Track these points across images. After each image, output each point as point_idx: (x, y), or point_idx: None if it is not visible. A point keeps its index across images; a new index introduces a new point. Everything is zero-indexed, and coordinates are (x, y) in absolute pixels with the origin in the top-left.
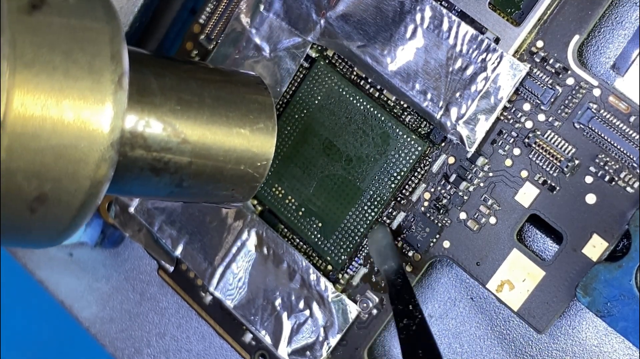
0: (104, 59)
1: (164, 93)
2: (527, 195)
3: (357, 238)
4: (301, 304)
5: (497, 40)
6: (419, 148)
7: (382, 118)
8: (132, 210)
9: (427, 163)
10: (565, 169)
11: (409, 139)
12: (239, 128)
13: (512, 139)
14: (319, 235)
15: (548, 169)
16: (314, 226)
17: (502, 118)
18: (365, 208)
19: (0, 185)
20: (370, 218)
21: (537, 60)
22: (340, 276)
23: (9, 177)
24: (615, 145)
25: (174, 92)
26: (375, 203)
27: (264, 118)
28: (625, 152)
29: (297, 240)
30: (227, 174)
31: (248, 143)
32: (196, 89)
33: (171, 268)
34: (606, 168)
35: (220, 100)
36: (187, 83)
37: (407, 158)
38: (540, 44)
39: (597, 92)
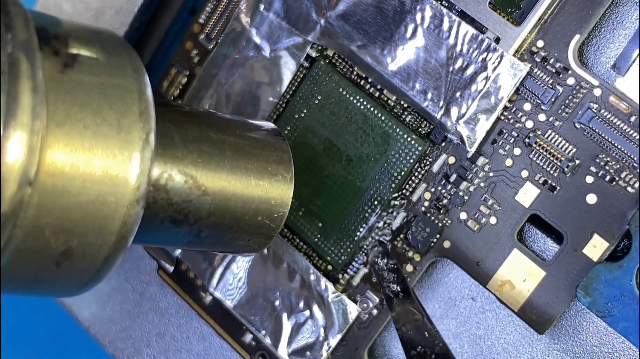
0: (133, 116)
1: (186, 145)
2: (527, 195)
3: (357, 238)
4: (301, 305)
5: (497, 40)
6: (419, 148)
7: (383, 118)
8: None
9: (428, 163)
10: (566, 169)
11: (409, 139)
12: (257, 180)
13: (513, 139)
14: (319, 235)
15: (548, 169)
16: (314, 226)
17: (502, 118)
18: (366, 208)
19: (28, 242)
20: (370, 218)
21: (538, 59)
22: (340, 276)
23: (38, 233)
24: (615, 145)
25: (195, 144)
26: (375, 203)
27: (282, 170)
28: (625, 151)
29: (297, 240)
30: (245, 225)
31: (266, 195)
32: (216, 141)
33: (171, 268)
34: (607, 168)
35: (240, 151)
36: (207, 135)
37: (408, 158)
38: (540, 43)
39: (597, 92)
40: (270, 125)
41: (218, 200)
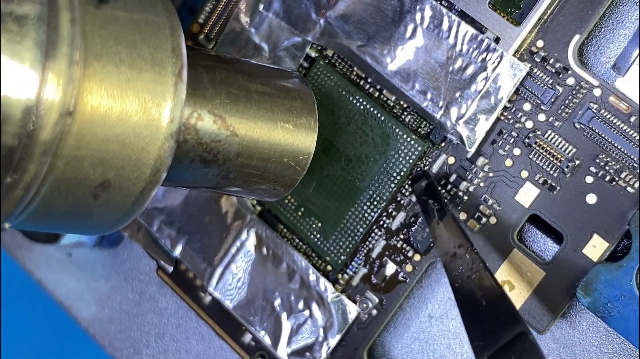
0: (166, 51)
1: (215, 87)
2: (527, 195)
3: (356, 238)
4: (300, 305)
5: (497, 40)
6: (419, 148)
7: (382, 118)
8: None
9: (427, 163)
10: (566, 169)
11: (408, 139)
12: (283, 122)
13: (513, 139)
14: (318, 235)
15: (548, 169)
16: (313, 226)
17: (502, 118)
18: (365, 208)
19: (68, 172)
20: (369, 218)
21: (538, 59)
22: (339, 276)
23: (77, 164)
24: (615, 145)
25: (223, 86)
26: (375, 203)
27: (306, 114)
28: (625, 152)
29: (297, 240)
30: (272, 167)
31: (292, 137)
32: (243, 84)
33: (170, 269)
34: (607, 168)
35: (266, 94)
36: (235, 77)
37: (407, 158)
38: (540, 43)
39: (597, 92)
40: (294, 71)
41: (246, 141)
